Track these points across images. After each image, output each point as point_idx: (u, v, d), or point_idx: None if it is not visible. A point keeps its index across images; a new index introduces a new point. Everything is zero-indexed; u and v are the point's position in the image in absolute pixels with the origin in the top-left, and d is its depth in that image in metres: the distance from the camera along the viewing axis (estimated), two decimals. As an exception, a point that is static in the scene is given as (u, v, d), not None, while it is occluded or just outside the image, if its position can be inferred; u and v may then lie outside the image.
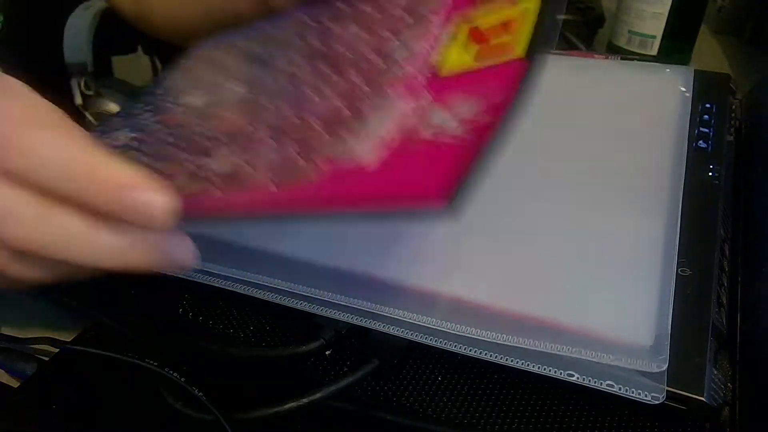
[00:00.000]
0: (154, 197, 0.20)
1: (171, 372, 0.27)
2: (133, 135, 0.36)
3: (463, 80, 0.27)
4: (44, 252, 0.21)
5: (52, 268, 0.22)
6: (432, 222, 0.20)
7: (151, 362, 0.27)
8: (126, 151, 0.34)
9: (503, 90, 0.24)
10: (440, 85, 0.27)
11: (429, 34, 0.32)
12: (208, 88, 0.39)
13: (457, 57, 0.29)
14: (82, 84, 0.94)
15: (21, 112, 0.21)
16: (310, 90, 0.33)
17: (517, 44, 0.27)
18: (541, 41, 0.26)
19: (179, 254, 0.23)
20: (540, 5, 0.28)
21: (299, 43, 0.40)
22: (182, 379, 0.27)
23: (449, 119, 0.24)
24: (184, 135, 0.33)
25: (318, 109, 0.30)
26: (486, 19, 0.30)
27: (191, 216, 0.23)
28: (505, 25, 0.28)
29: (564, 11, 0.28)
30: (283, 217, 0.25)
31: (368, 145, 0.25)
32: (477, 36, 0.29)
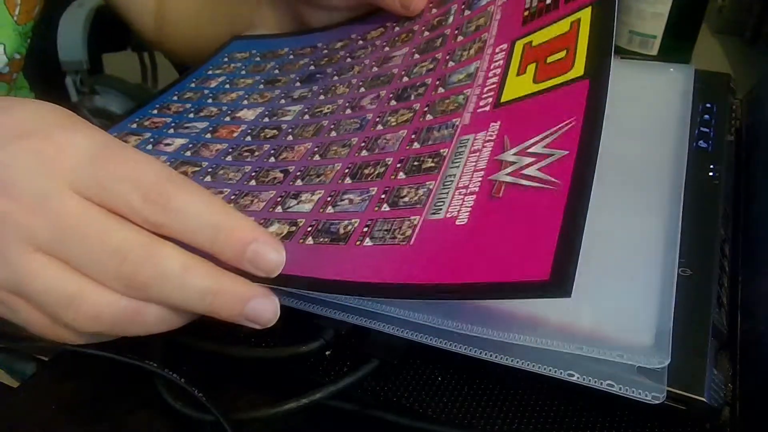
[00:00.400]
0: (270, 253, 0.23)
1: (170, 373, 0.27)
2: (183, 142, 0.36)
3: (528, 108, 0.26)
4: (141, 292, 0.23)
5: (148, 317, 0.24)
6: (537, 297, 0.19)
7: (151, 363, 0.27)
8: (181, 165, 0.34)
9: (571, 115, 0.23)
10: (505, 113, 0.26)
11: (483, 53, 0.31)
12: (261, 103, 0.39)
13: (517, 81, 0.27)
14: (78, 81, 0.94)
15: (158, 167, 0.23)
16: (374, 118, 0.32)
17: (574, 62, 0.25)
18: (599, 55, 0.25)
19: (264, 310, 0.24)
20: (591, 17, 0.26)
21: (352, 63, 0.39)
22: (182, 380, 0.27)
23: (524, 158, 0.23)
24: (249, 159, 0.33)
25: (388, 145, 0.29)
26: (538, 35, 0.29)
27: (284, 276, 0.24)
28: (558, 40, 0.27)
29: (616, 20, 0.26)
30: (382, 293, 0.23)
31: (453, 196, 0.24)
32: (531, 54, 0.28)
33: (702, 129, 0.37)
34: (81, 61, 0.90)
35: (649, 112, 0.37)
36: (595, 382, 0.24)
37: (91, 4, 0.95)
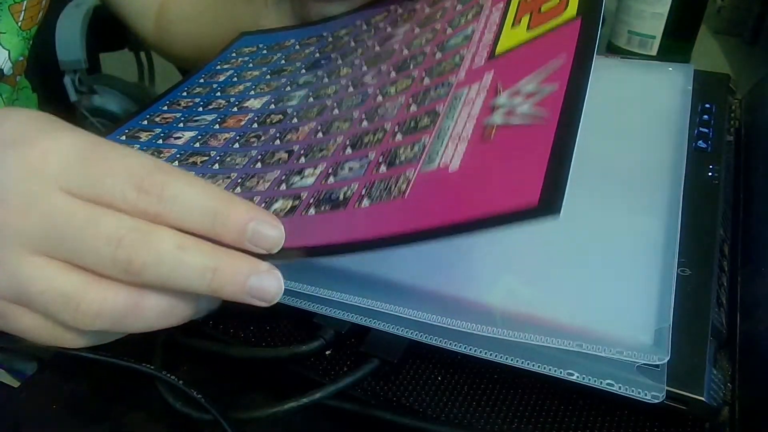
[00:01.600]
0: (269, 230, 0.23)
1: (169, 375, 0.27)
2: (193, 134, 0.36)
3: (521, 53, 0.26)
4: (140, 276, 0.22)
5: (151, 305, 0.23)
6: (531, 225, 0.19)
7: (149, 366, 0.27)
8: (191, 156, 0.34)
9: (561, 52, 0.23)
10: (499, 64, 0.26)
11: (480, 15, 0.31)
12: (267, 92, 0.39)
13: (511, 32, 0.28)
14: (76, 81, 0.94)
15: (148, 159, 0.23)
16: (375, 91, 0.32)
17: (568, 4, 0.26)
18: None
19: (268, 284, 0.23)
20: None
21: (356, 46, 0.40)
22: (180, 382, 0.27)
23: (516, 98, 0.23)
24: (256, 144, 0.33)
25: (387, 112, 0.29)
26: None
27: (289, 248, 0.23)
28: None
29: None
30: (378, 246, 0.23)
31: (447, 146, 0.24)
32: (527, 6, 0.28)
33: (701, 129, 0.37)
34: (80, 61, 0.90)
35: (649, 112, 0.37)
36: (595, 381, 0.24)
37: (88, 3, 0.95)
